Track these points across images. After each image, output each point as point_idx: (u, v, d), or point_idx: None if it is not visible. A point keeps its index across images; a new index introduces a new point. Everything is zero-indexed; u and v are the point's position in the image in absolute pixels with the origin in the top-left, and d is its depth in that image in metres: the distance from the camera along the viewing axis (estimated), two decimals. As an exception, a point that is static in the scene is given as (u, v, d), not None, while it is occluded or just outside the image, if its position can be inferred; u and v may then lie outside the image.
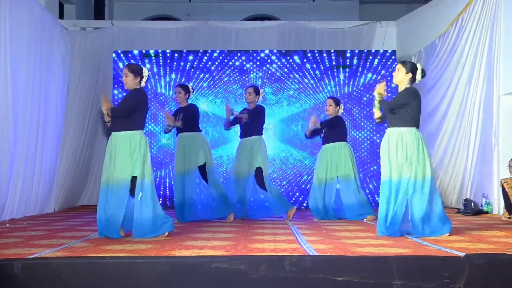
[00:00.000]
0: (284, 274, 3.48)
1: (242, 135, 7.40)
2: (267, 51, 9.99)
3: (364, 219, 7.02)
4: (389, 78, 9.73)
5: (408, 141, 5.22)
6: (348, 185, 7.26)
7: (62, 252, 4.22)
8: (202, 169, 7.10)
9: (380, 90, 5.35)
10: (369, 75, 9.88)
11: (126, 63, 5.67)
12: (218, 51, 9.98)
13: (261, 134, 7.41)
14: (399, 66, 5.38)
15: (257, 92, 7.42)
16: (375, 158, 9.67)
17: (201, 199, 7.12)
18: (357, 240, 4.95)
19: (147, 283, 3.50)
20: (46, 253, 4.12)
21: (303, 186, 9.73)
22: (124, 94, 5.69)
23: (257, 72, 9.90)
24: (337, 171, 7.28)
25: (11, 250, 4.30)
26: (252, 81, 9.83)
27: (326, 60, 9.90)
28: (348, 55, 9.92)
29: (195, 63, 9.88)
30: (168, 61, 9.87)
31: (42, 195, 8.42)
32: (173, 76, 9.85)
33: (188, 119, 6.98)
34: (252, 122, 7.26)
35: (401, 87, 5.40)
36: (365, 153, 9.75)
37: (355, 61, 9.88)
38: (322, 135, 7.44)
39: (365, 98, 9.85)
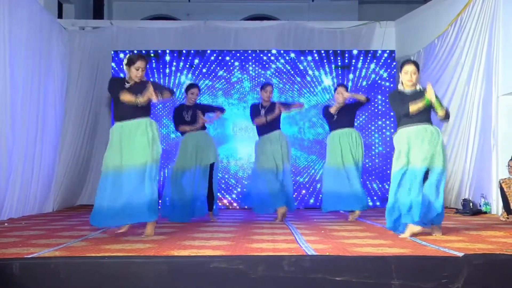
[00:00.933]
0: (283, 274, 3.48)
1: (263, 132, 7.25)
2: (266, 52, 9.99)
3: (350, 216, 7.07)
4: (389, 78, 9.78)
5: (436, 135, 5.23)
6: (356, 172, 7.18)
7: (60, 251, 4.22)
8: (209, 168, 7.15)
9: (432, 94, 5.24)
10: (368, 75, 9.88)
11: (140, 55, 5.48)
12: (217, 51, 9.98)
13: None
14: (415, 68, 5.32)
15: (272, 90, 7.39)
16: (372, 157, 9.68)
17: (198, 197, 7.08)
18: (355, 240, 4.95)
19: (145, 283, 3.50)
20: (45, 253, 4.12)
21: (302, 186, 9.74)
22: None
23: (256, 72, 9.89)
24: (354, 157, 7.16)
25: (10, 249, 4.30)
26: (251, 81, 9.82)
27: (326, 60, 9.90)
28: (347, 55, 9.92)
29: (189, 60, 9.88)
30: (168, 61, 9.87)
31: (41, 195, 8.42)
32: (172, 76, 9.86)
33: (196, 117, 7.06)
34: (275, 118, 7.20)
35: (414, 87, 5.35)
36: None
37: (354, 61, 9.89)
38: (334, 120, 7.23)
39: (370, 96, 9.77)
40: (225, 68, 9.91)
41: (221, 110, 7.41)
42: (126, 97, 5.21)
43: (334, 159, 7.18)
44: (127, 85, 5.33)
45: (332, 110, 7.19)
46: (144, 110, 5.31)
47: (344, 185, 7.08)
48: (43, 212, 8.43)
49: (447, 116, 5.34)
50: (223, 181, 9.80)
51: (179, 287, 3.50)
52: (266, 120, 7.14)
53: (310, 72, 9.91)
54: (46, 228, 6.09)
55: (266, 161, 7.19)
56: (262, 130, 7.26)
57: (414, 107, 5.19)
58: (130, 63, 5.30)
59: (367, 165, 9.57)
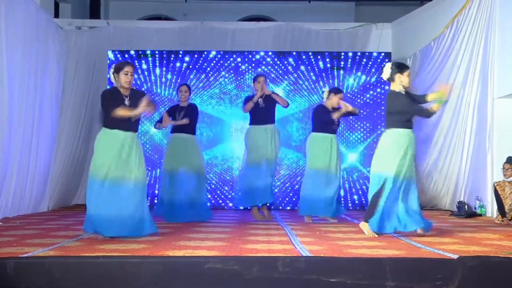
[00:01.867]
0: (277, 275, 3.48)
1: (256, 122, 7.29)
2: (262, 53, 9.99)
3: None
4: (382, 80, 9.78)
5: (414, 142, 5.51)
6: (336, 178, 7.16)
7: (55, 251, 4.21)
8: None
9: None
10: (364, 77, 9.89)
11: (126, 62, 5.56)
12: (214, 52, 9.97)
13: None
14: (409, 71, 5.56)
15: (266, 81, 7.40)
16: (368, 160, 9.68)
17: (186, 201, 7.08)
18: (350, 241, 4.95)
19: (140, 283, 3.49)
20: (39, 252, 4.11)
21: (296, 187, 9.73)
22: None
23: (253, 73, 9.88)
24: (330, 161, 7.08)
25: (4, 249, 4.29)
26: (247, 82, 9.82)
27: (321, 62, 9.91)
28: (343, 56, 9.92)
29: (186, 61, 9.87)
30: (164, 61, 9.86)
31: (36, 194, 8.40)
32: (168, 76, 9.85)
33: (187, 118, 7.04)
34: (270, 109, 7.28)
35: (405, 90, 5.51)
36: (359, 153, 9.75)
37: (350, 62, 9.89)
38: (319, 121, 7.12)
39: (364, 99, 9.83)
40: (221, 69, 9.90)
41: (188, 119, 7.08)
42: (121, 112, 5.19)
43: (322, 162, 7.05)
44: (126, 101, 5.30)
45: (335, 115, 6.97)
46: (138, 124, 5.42)
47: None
48: (38, 212, 8.41)
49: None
50: (220, 183, 9.80)
51: (174, 287, 3.50)
52: (256, 101, 7.16)
53: (306, 73, 9.90)
54: (41, 227, 6.08)
55: (257, 154, 7.21)
56: (256, 119, 7.29)
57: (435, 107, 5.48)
58: (118, 70, 5.35)
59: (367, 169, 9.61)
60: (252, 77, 9.81)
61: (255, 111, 7.25)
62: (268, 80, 7.51)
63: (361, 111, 9.66)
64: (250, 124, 7.40)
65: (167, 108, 7.48)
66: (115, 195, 5.15)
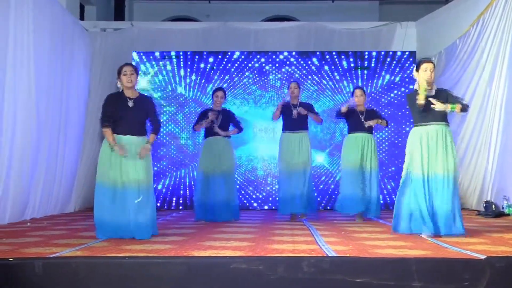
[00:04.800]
0: (302, 275, 3.48)
1: (289, 129, 7.37)
2: (286, 53, 9.98)
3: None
4: (407, 79, 9.71)
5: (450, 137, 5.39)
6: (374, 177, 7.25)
7: (82, 251, 4.26)
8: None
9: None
10: (388, 76, 9.82)
11: (125, 63, 5.64)
12: (237, 52, 9.99)
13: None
14: (433, 67, 5.36)
15: (299, 87, 7.52)
16: (393, 159, 9.62)
17: (220, 201, 7.15)
18: (376, 241, 4.92)
19: (165, 283, 3.51)
20: (66, 253, 4.16)
21: (320, 187, 9.70)
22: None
23: (276, 73, 9.89)
24: (370, 162, 7.23)
25: (32, 249, 4.35)
26: (271, 82, 9.83)
27: (345, 61, 9.86)
28: (367, 56, 9.87)
29: (210, 61, 9.89)
30: (188, 62, 9.90)
31: (63, 195, 8.52)
32: (193, 77, 9.88)
33: (225, 124, 7.28)
34: (304, 116, 7.34)
35: (430, 87, 5.36)
36: (383, 154, 9.68)
37: (374, 62, 9.83)
38: (351, 121, 7.32)
39: (389, 99, 9.77)
40: (245, 69, 9.92)
41: (239, 129, 7.48)
42: (106, 133, 5.24)
43: (353, 161, 7.19)
44: (130, 103, 5.39)
45: (344, 109, 7.20)
46: (145, 128, 5.44)
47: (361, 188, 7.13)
48: (65, 212, 8.52)
49: (464, 109, 5.40)
50: (244, 183, 9.81)
51: (199, 287, 3.51)
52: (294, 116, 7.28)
53: (329, 73, 9.86)
54: (68, 228, 6.15)
55: (291, 161, 7.28)
56: (289, 126, 7.36)
57: (421, 97, 5.22)
58: (119, 73, 5.45)
59: (390, 169, 9.56)
60: (274, 76, 9.87)
61: (288, 118, 7.35)
62: (301, 87, 7.57)
63: (386, 110, 9.64)
64: (282, 130, 7.48)
65: (201, 111, 7.63)
66: (117, 200, 5.14)
